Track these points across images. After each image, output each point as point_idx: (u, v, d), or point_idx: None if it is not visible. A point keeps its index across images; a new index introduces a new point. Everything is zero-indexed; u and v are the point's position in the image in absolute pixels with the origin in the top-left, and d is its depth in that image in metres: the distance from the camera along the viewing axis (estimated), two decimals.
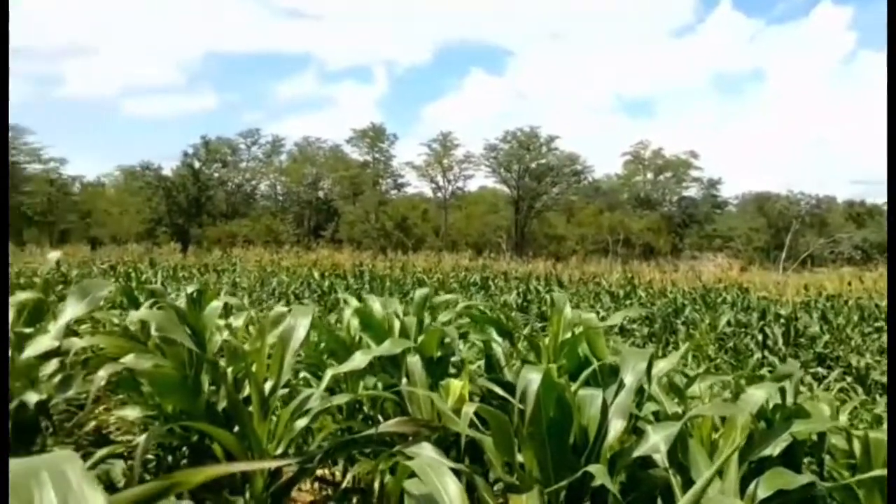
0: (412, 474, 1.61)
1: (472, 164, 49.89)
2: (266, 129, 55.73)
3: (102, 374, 1.79)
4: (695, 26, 78.75)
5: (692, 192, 52.06)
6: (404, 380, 2.75)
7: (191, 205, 44.46)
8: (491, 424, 1.99)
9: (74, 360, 2.59)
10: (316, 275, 15.25)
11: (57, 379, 2.20)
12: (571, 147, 54.02)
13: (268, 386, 2.20)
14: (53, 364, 2.53)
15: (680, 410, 2.59)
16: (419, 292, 3.42)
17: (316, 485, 3.34)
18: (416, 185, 52.66)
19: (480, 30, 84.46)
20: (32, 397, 2.04)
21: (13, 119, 53.07)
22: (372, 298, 3.25)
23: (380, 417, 3.02)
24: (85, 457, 2.06)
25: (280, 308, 2.85)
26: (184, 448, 2.79)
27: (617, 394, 2.08)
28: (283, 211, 49.06)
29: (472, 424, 2.13)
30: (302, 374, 3.23)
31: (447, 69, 73.99)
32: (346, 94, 74.05)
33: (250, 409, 2.14)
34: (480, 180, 52.31)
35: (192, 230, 42.04)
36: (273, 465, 1.80)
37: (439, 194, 50.80)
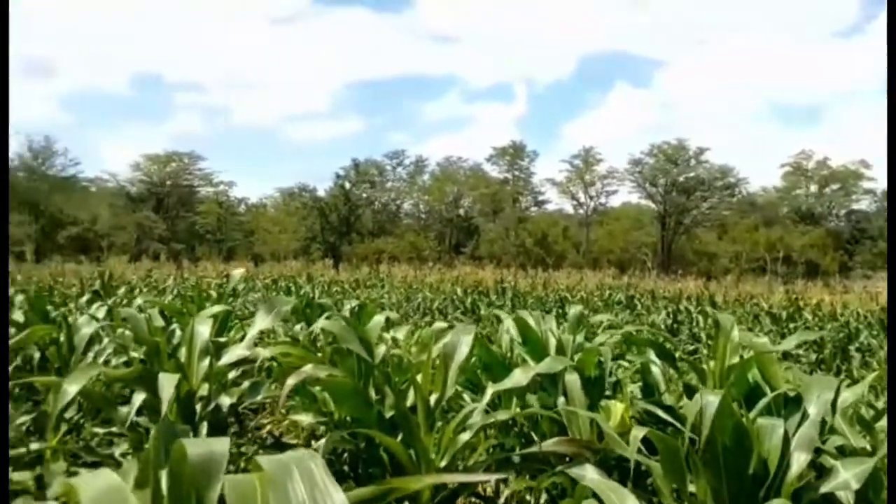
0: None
1: (616, 179, 48.70)
2: (411, 150, 57.83)
3: (290, 382, 1.94)
4: (863, 26, 71.72)
5: (863, 204, 47.30)
6: (561, 398, 2.74)
7: (342, 223, 47.02)
8: (660, 449, 1.93)
9: (256, 367, 2.83)
10: (459, 291, 15.49)
11: (245, 384, 2.41)
12: (723, 159, 51.15)
13: (432, 399, 2.28)
14: (232, 370, 2.78)
15: (868, 446, 2.37)
16: (573, 310, 3.39)
17: (469, 499, 3.38)
18: (557, 202, 52.21)
19: (626, 42, 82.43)
20: (226, 400, 2.25)
21: (191, 147, 59.06)
22: (526, 314, 3.26)
23: (533, 435, 3.02)
24: None
25: (440, 323, 2.94)
26: (344, 454, 2.95)
27: (800, 424, 1.93)
28: (426, 229, 50.48)
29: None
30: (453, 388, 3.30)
31: (590, 84, 72.71)
32: (487, 113, 75.05)
33: (416, 420, 2.22)
34: (624, 196, 50.87)
35: (343, 247, 44.38)
36: (472, 479, 1.86)
37: (580, 211, 50.03)
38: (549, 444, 2.28)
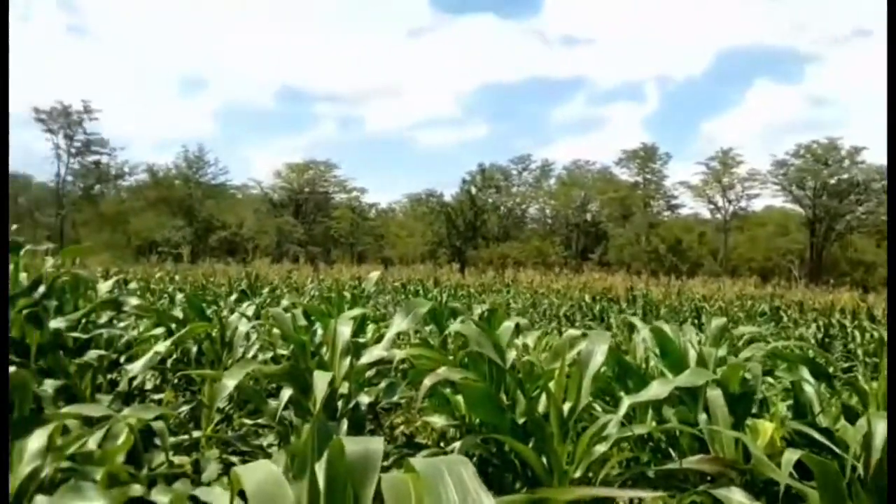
0: None
1: (757, 181, 45.72)
2: (537, 153, 57.31)
3: (427, 383, 1.99)
4: None
5: None
6: (702, 415, 2.60)
7: (468, 228, 47.58)
8: (817, 475, 1.78)
9: (390, 367, 2.92)
10: (587, 298, 15.17)
11: (382, 384, 2.49)
12: (882, 160, 46.45)
13: (565, 407, 2.24)
14: (369, 370, 2.88)
15: None
16: (715, 322, 3.22)
17: None
18: (692, 206, 49.87)
19: (768, 34, 77.07)
20: (365, 399, 2.34)
21: (327, 155, 62.13)
22: (663, 324, 3.13)
23: (671, 451, 2.89)
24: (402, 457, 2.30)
25: (572, 330, 2.89)
26: (473, 458, 2.97)
27: None
28: (552, 234, 49.97)
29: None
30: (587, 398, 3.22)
31: (727, 80, 68.77)
32: (615, 115, 73.11)
33: (549, 428, 2.19)
34: (767, 199, 47.73)
35: (469, 252, 44.89)
36: (620, 494, 1.82)
37: (718, 215, 47.43)
38: (691, 462, 2.17)
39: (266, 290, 11.86)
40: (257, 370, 2.37)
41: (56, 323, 2.75)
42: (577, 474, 2.13)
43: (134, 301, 3.20)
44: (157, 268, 15.12)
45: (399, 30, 77.66)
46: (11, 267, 2.81)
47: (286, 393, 2.30)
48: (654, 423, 2.74)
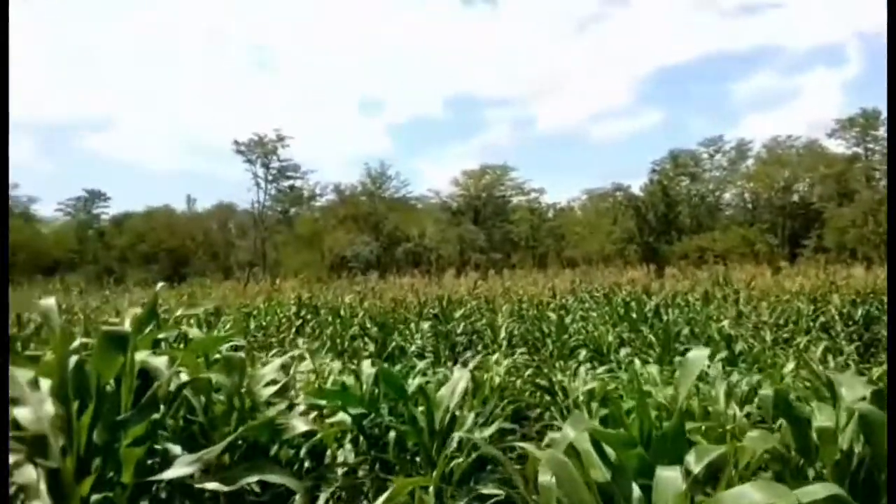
0: None
1: None
2: (728, 134, 51.63)
3: None
4: None
5: None
6: None
7: (660, 222, 44.13)
8: None
9: None
10: (836, 300, 12.32)
11: None
12: None
13: None
14: None
15: None
16: None
17: None
18: None
19: None
20: None
21: (501, 159, 61.41)
22: None
23: None
24: None
25: None
26: None
27: None
28: (753, 220, 44.91)
29: None
30: None
31: None
32: (813, 83, 64.74)
33: None
34: None
35: (662, 247, 41.57)
36: None
37: None
38: None
39: (458, 313, 10.80)
40: None
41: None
42: None
43: (302, 427, 2.02)
44: (347, 293, 14.73)
45: (567, 23, 74.83)
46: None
47: None
48: None
